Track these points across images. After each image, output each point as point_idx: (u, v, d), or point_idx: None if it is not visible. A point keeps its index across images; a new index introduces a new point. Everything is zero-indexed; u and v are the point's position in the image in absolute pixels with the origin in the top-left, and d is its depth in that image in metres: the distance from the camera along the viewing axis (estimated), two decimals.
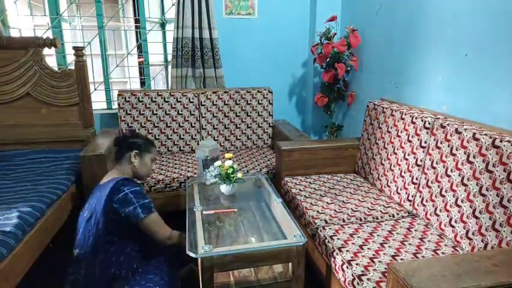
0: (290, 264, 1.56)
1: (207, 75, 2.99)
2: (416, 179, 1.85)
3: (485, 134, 1.49)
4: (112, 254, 1.57)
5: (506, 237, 1.33)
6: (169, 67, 3.08)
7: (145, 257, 1.67)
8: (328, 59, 2.84)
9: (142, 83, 3.50)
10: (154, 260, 1.67)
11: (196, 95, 2.86)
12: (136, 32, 3.69)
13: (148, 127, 2.79)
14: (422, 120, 1.86)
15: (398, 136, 2.02)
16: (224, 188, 1.94)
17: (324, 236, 1.67)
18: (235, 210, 1.86)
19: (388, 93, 2.46)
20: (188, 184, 2.11)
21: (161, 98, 2.79)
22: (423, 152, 1.83)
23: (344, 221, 1.79)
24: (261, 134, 3.03)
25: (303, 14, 3.20)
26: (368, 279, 1.33)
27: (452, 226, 1.58)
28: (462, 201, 1.54)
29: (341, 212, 1.85)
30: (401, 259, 1.45)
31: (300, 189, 2.14)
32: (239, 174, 1.93)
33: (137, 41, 3.71)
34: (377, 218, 1.82)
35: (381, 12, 2.54)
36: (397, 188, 1.98)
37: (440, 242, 1.58)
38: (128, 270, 1.57)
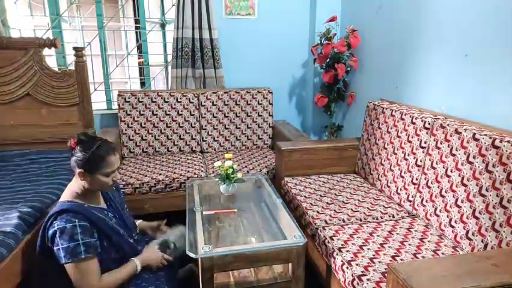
0: (290, 264, 1.56)
1: (207, 76, 2.99)
2: (416, 179, 1.85)
3: (485, 134, 1.49)
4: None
5: (506, 237, 1.33)
6: (169, 67, 3.08)
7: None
8: (328, 60, 2.84)
9: (142, 84, 3.50)
10: None
11: (196, 95, 2.86)
12: (136, 32, 3.69)
13: (148, 127, 2.79)
14: (422, 121, 1.86)
15: (398, 136, 2.02)
16: (224, 188, 1.94)
17: (324, 236, 1.67)
18: (235, 210, 1.86)
19: (388, 93, 2.46)
20: (188, 184, 2.11)
21: (161, 98, 2.79)
22: (423, 152, 1.83)
23: (343, 221, 1.79)
24: (261, 135, 3.03)
25: (303, 15, 3.20)
26: (368, 279, 1.33)
27: (452, 226, 1.58)
28: (462, 201, 1.54)
29: (341, 212, 1.85)
30: (401, 259, 1.45)
31: (300, 190, 2.14)
32: (239, 175, 1.93)
33: (137, 41, 3.71)
34: (377, 219, 1.82)
35: (381, 13, 2.54)
36: (397, 188, 1.98)
37: (440, 242, 1.58)
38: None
